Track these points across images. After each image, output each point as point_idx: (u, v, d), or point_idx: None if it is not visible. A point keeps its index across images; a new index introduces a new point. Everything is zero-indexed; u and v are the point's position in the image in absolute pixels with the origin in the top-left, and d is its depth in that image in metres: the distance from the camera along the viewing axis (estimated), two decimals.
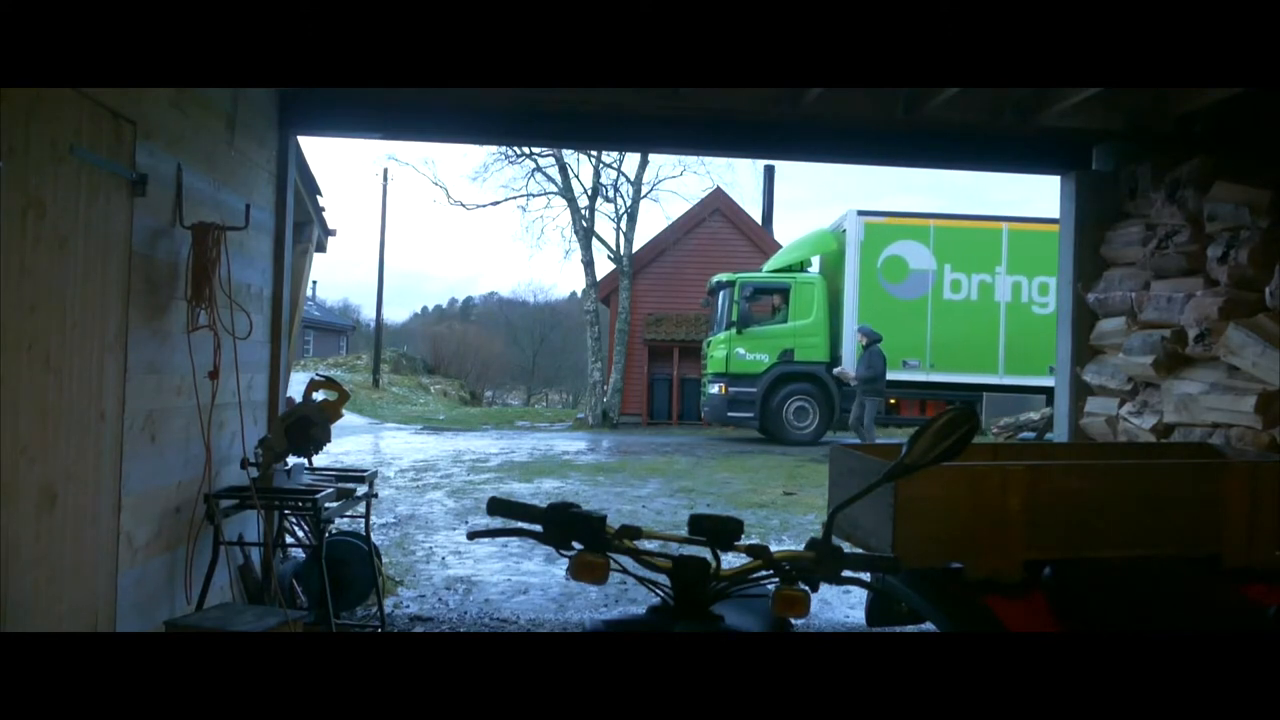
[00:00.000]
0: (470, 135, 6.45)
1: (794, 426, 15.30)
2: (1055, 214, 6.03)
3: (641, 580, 1.83)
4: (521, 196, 22.03)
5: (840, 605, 5.75)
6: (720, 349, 15.80)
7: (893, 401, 15.04)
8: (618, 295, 20.53)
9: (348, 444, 13.61)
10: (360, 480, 4.75)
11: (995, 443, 6.18)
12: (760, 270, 16.97)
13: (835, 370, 13.65)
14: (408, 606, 5.62)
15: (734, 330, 15.68)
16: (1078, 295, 5.59)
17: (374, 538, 5.29)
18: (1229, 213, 4.48)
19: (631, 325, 20.39)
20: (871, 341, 13.13)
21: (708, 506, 8.83)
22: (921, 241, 15.22)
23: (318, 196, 6.58)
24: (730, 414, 15.58)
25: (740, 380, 15.47)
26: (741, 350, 15.51)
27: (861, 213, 15.44)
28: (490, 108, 5.42)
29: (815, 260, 16.77)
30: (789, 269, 16.36)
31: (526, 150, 20.69)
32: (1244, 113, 4.67)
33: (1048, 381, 14.59)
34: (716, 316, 16.73)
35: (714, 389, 15.85)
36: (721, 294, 16.45)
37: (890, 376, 15.13)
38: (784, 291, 15.90)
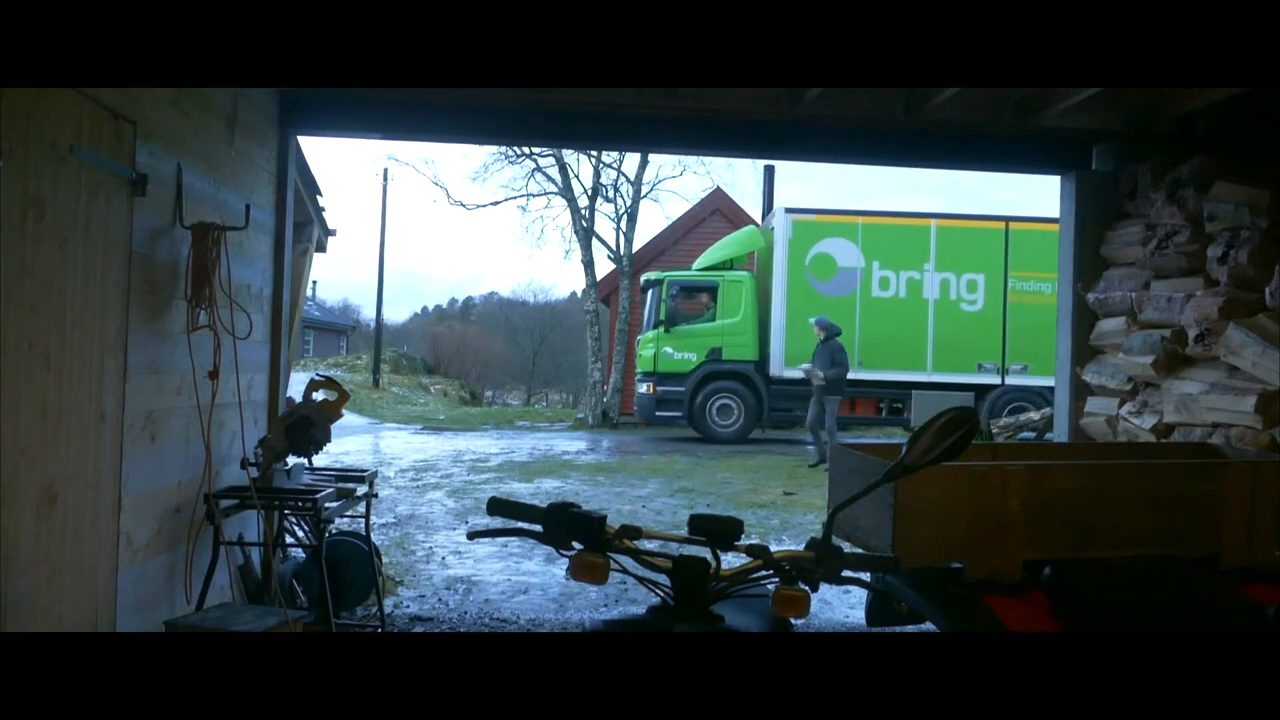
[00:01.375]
0: (470, 135, 6.45)
1: (718, 424, 15.24)
2: (1056, 213, 6.03)
3: (641, 580, 1.83)
4: (521, 196, 22.04)
5: (840, 605, 5.75)
6: (648, 348, 15.72)
7: None
8: (618, 295, 20.52)
9: (348, 444, 13.60)
10: (360, 480, 4.75)
11: (995, 443, 6.18)
12: (690, 269, 16.88)
13: (802, 368, 12.66)
14: (408, 606, 5.62)
15: (661, 329, 15.58)
16: (1078, 295, 5.58)
17: (374, 538, 5.29)
18: (1229, 213, 4.48)
19: (631, 325, 20.36)
20: (830, 335, 12.28)
21: (708, 506, 8.83)
22: (850, 239, 15.13)
23: (318, 196, 6.58)
24: (658, 413, 15.55)
25: (668, 379, 15.40)
26: (669, 349, 15.43)
27: (789, 210, 15.41)
28: (490, 108, 5.42)
29: (753, 257, 16.68)
30: (719, 267, 16.25)
31: (526, 150, 20.69)
32: (1244, 113, 4.67)
33: (976, 379, 14.66)
34: (646, 315, 16.61)
35: (643, 388, 15.81)
36: (651, 292, 16.33)
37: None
38: (712, 290, 15.78)
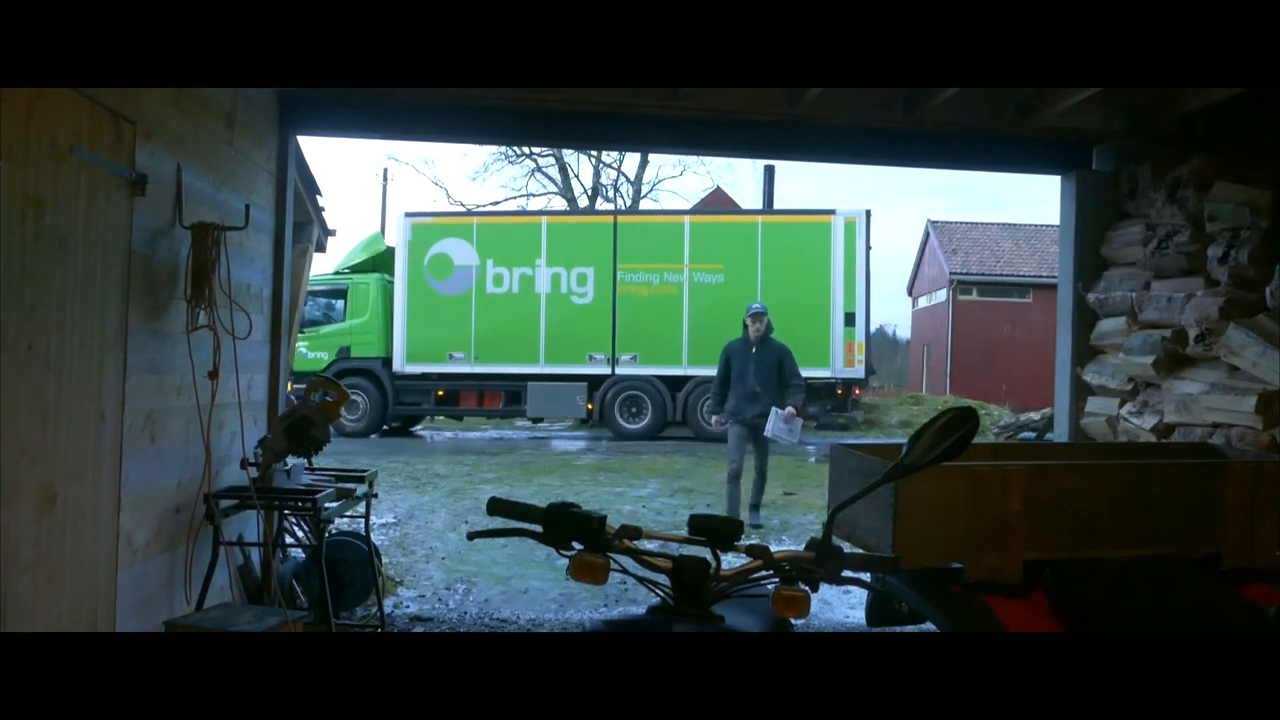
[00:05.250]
0: (470, 135, 6.46)
1: (345, 418, 15.40)
2: (1055, 213, 6.02)
3: (641, 580, 1.83)
4: (521, 196, 22.10)
5: (840, 605, 5.75)
6: None
7: (441, 394, 15.44)
8: None
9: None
10: (360, 480, 4.76)
11: (995, 443, 6.18)
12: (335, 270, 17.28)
13: (772, 432, 7.82)
14: (408, 606, 5.62)
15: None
16: (1078, 295, 5.58)
17: (374, 538, 5.29)
18: (1229, 213, 4.48)
19: None
20: (769, 329, 8.17)
21: (708, 506, 8.82)
22: (465, 239, 15.60)
23: (318, 196, 6.58)
24: None
25: (305, 378, 15.52)
26: (303, 349, 15.71)
27: (409, 214, 15.98)
28: (490, 108, 5.42)
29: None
30: (355, 269, 16.56)
31: (526, 150, 20.74)
32: (1244, 113, 4.67)
33: (587, 369, 15.14)
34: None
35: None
36: None
37: (440, 370, 15.40)
38: (342, 292, 16.23)
